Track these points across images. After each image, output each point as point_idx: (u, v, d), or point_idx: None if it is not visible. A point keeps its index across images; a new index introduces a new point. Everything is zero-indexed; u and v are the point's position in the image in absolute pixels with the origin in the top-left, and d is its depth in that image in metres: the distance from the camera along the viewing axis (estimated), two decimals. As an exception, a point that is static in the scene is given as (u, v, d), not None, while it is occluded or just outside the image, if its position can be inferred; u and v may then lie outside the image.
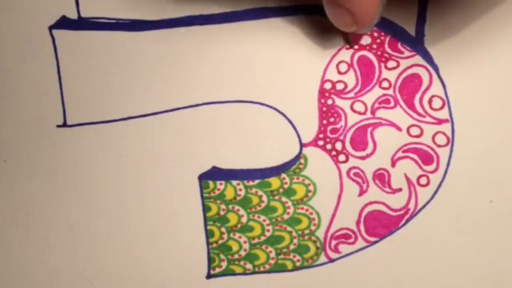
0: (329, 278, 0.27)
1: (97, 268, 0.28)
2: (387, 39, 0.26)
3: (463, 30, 0.26)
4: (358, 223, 0.27)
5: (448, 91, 0.26)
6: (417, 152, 0.27)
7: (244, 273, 0.27)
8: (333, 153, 0.27)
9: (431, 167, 0.26)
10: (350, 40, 0.27)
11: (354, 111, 0.27)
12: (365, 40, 0.27)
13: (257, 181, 0.27)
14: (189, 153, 0.27)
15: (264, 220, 0.27)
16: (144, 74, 0.27)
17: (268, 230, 0.27)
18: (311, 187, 0.27)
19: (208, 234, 0.27)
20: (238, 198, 0.27)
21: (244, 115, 0.27)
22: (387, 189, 0.27)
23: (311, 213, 0.27)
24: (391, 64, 0.26)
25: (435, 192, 0.27)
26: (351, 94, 0.27)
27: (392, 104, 0.27)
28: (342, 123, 0.27)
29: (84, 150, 0.28)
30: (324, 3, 0.24)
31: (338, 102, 0.27)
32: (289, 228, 0.27)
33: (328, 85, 0.27)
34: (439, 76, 0.26)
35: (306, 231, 0.27)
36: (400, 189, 0.27)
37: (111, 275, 0.28)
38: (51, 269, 0.28)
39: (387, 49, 0.26)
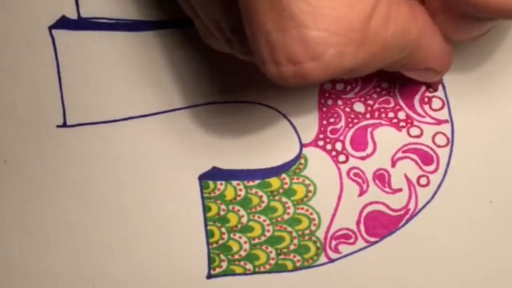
0: (329, 278, 0.27)
1: (97, 268, 0.28)
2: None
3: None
4: (358, 223, 0.27)
5: (448, 92, 0.26)
6: (417, 153, 0.27)
7: (244, 273, 0.27)
8: (333, 153, 0.27)
9: (431, 167, 0.27)
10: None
11: (354, 111, 0.27)
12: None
13: (257, 181, 0.27)
14: (189, 153, 0.27)
15: (264, 220, 0.27)
16: (144, 74, 0.27)
17: (268, 230, 0.27)
18: (311, 187, 0.27)
19: (208, 234, 0.27)
20: (238, 198, 0.27)
21: (244, 115, 0.27)
22: (387, 189, 0.27)
23: (311, 213, 0.27)
24: (391, 64, 0.26)
25: (435, 192, 0.27)
26: (351, 94, 0.27)
27: (392, 104, 0.27)
28: (342, 123, 0.27)
29: (84, 150, 0.28)
30: (403, 72, 0.24)
31: (338, 102, 0.27)
32: (289, 228, 0.27)
33: (328, 85, 0.27)
34: (439, 76, 0.26)
35: (306, 231, 0.27)
36: (400, 189, 0.27)
37: (112, 275, 0.28)
38: (51, 269, 0.28)
39: (387, 49, 0.26)
